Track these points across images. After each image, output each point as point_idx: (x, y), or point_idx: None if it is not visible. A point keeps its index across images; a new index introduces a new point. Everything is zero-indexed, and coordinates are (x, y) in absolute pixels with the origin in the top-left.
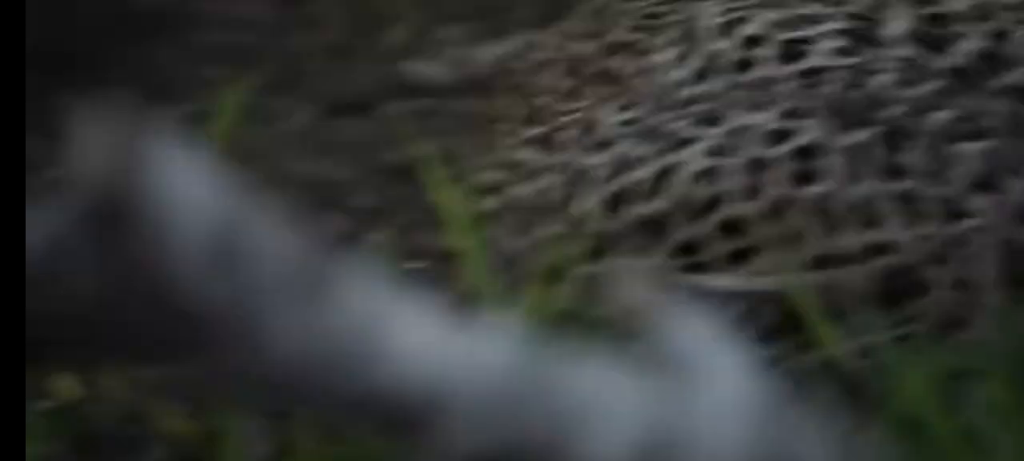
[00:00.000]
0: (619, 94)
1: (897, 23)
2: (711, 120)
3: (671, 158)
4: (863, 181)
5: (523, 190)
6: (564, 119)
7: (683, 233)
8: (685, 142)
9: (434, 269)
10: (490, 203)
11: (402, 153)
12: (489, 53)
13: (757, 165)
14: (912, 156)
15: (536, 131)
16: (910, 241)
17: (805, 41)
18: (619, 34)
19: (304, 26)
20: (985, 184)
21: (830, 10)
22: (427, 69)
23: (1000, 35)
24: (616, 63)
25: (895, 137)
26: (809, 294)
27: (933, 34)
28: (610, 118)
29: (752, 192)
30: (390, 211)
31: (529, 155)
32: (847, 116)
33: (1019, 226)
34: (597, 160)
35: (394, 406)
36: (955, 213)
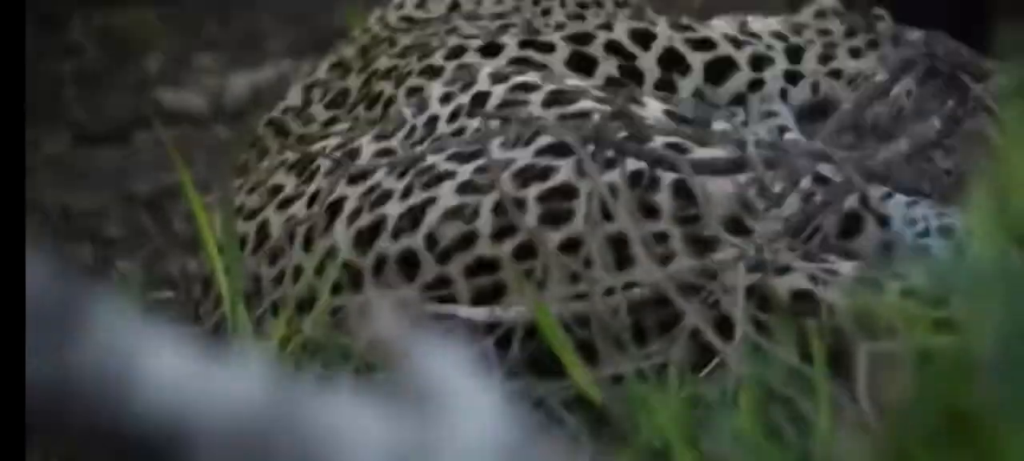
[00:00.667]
0: (376, 124)
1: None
2: (467, 157)
3: (424, 194)
4: (615, 220)
5: (277, 217)
6: (322, 146)
7: (433, 269)
8: (440, 177)
9: (184, 298)
10: (245, 229)
11: (155, 181)
12: (244, 81)
13: (511, 204)
14: (663, 196)
15: (293, 157)
16: (661, 278)
17: (570, 92)
18: (381, 64)
19: (58, 53)
20: (736, 222)
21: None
22: (182, 97)
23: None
24: (375, 92)
25: (648, 176)
26: (559, 328)
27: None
28: (367, 148)
29: (503, 232)
30: (141, 240)
31: (286, 181)
32: (600, 151)
33: (767, 262)
34: (351, 191)
35: (141, 438)
36: (706, 249)
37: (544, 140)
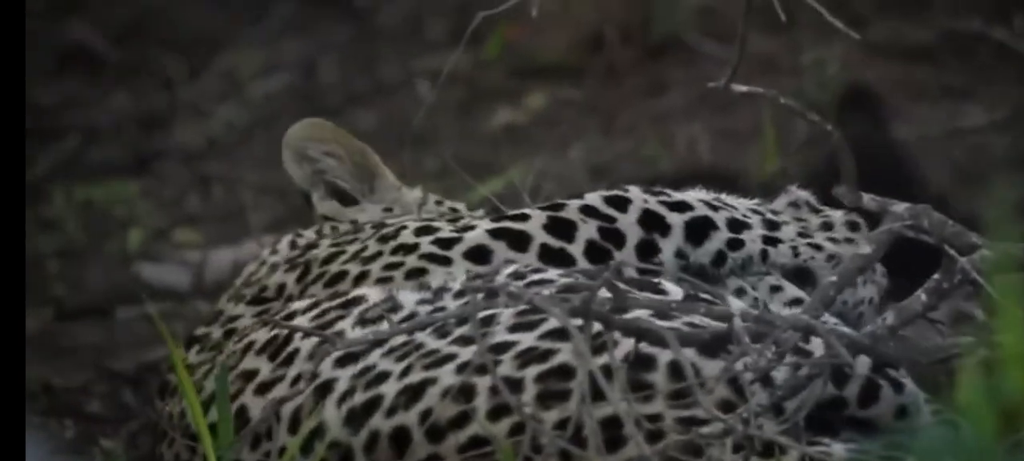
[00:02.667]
0: (355, 305)
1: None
2: (467, 339)
3: (421, 375)
4: (608, 402)
5: (255, 402)
6: (297, 326)
7: (425, 448)
8: (441, 360)
9: None
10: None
11: (138, 358)
12: (226, 256)
13: (508, 384)
14: (658, 376)
15: (262, 338)
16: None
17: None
18: (362, 244)
19: (38, 227)
20: (727, 403)
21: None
22: (163, 272)
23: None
24: (353, 271)
25: (640, 358)
26: None
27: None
28: (353, 331)
29: (499, 412)
30: (124, 417)
31: (258, 364)
32: (589, 325)
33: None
34: (341, 373)
35: None
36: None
37: (548, 324)
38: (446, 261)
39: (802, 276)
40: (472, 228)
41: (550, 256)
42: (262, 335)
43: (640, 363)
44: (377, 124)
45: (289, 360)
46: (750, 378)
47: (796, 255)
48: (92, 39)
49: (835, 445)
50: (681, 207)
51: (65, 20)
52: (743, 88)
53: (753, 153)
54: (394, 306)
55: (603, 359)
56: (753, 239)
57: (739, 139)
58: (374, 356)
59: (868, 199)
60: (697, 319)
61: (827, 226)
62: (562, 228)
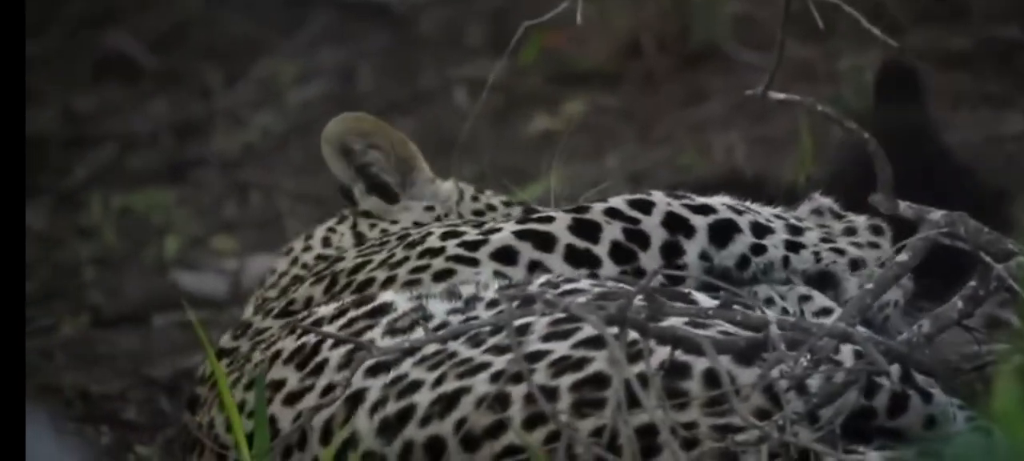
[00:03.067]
0: (383, 313)
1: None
2: (501, 348)
3: (455, 384)
4: (644, 409)
5: (284, 413)
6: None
7: (460, 457)
8: (475, 369)
9: None
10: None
11: (174, 365)
12: (262, 263)
13: (543, 393)
14: (693, 384)
15: (289, 348)
16: None
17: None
18: (389, 252)
19: (76, 235)
20: (762, 411)
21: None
22: (200, 279)
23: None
24: (380, 277)
25: (676, 366)
26: None
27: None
28: (382, 341)
29: (534, 421)
30: (160, 424)
31: (285, 374)
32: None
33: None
34: (372, 383)
35: None
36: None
37: (582, 333)
38: (473, 262)
39: (825, 281)
40: (497, 230)
41: (575, 257)
42: (289, 344)
43: (675, 371)
44: (415, 131)
45: (318, 370)
46: (785, 386)
47: (818, 260)
48: (130, 47)
49: (870, 453)
50: (705, 210)
51: (104, 28)
52: (780, 95)
53: (790, 161)
54: (425, 315)
55: (639, 367)
56: (776, 244)
57: (776, 147)
58: (406, 365)
59: (905, 207)
60: (729, 327)
61: (850, 231)
62: (587, 229)
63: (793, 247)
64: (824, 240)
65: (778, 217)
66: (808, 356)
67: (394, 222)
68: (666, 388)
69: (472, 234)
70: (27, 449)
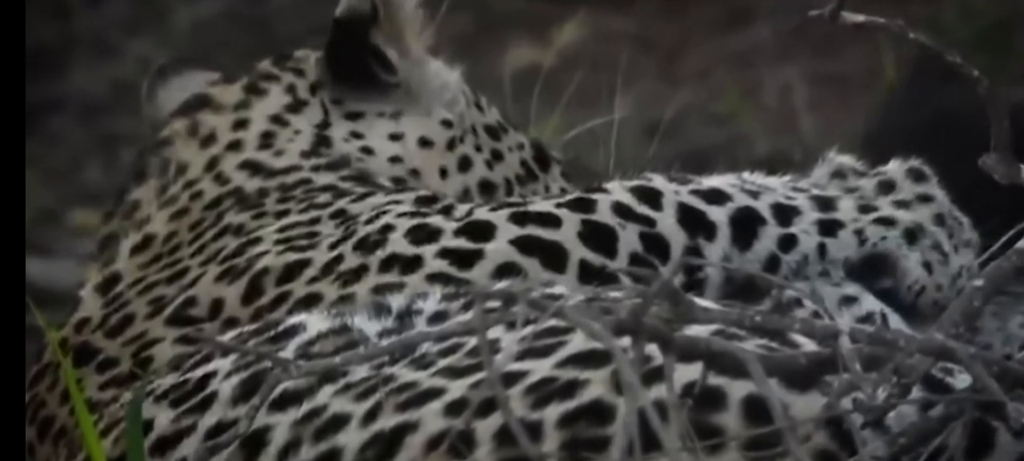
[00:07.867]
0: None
1: None
2: (461, 371)
3: (394, 418)
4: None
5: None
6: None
7: None
8: (422, 397)
9: None
10: None
11: None
12: None
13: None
14: (730, 417)
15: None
16: None
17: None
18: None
19: None
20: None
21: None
22: (51, 269)
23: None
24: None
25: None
26: None
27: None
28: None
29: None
30: None
31: (157, 413)
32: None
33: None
34: (278, 419)
35: None
36: None
37: (570, 348)
38: (467, 284)
39: (876, 266)
40: (484, 230)
41: (590, 274)
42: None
43: (707, 399)
44: None
45: (204, 406)
46: (860, 421)
47: (862, 240)
48: None
49: None
50: (717, 197)
51: None
52: (857, 17)
53: (866, 108)
54: (350, 341)
55: (655, 393)
56: (806, 229)
57: (848, 88)
58: (324, 395)
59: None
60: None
61: (887, 186)
62: (601, 238)
63: (828, 228)
64: (863, 210)
65: (797, 190)
66: (892, 380)
67: (394, 138)
68: (694, 422)
69: (452, 236)
70: None
